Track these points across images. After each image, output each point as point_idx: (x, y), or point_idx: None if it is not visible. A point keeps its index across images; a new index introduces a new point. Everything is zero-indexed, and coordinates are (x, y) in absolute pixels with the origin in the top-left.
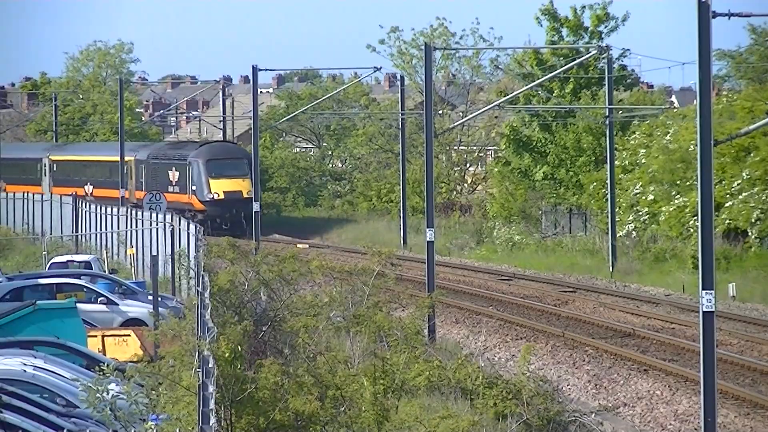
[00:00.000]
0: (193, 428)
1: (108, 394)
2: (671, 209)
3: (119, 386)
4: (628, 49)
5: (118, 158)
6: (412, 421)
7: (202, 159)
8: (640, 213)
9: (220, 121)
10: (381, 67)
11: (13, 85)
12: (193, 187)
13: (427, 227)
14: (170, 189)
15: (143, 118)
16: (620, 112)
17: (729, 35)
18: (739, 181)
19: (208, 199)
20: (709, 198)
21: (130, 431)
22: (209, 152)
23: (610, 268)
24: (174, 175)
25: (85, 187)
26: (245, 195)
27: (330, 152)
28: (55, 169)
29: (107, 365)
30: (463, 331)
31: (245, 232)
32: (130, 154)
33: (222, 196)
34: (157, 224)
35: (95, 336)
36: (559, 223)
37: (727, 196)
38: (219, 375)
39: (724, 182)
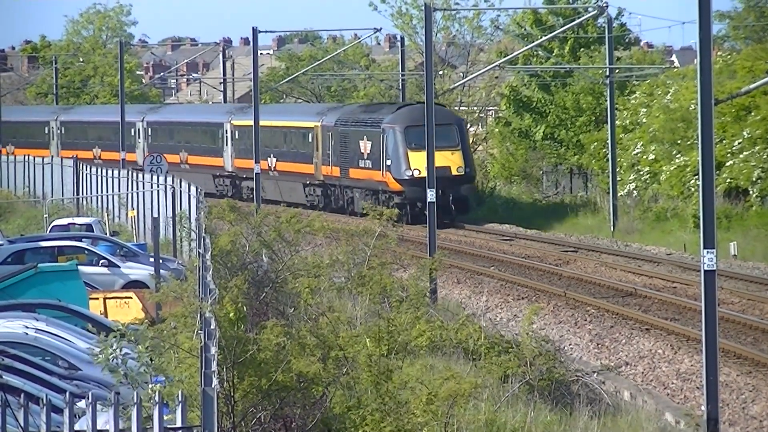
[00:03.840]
0: (195, 389)
1: (120, 351)
2: (672, 168)
3: (127, 347)
4: (624, 8)
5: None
6: (414, 382)
7: (399, 126)
8: (641, 172)
9: (221, 83)
10: (381, 28)
11: (13, 48)
12: (388, 162)
13: (428, 188)
14: (361, 164)
15: (143, 81)
16: (618, 71)
17: None
18: (739, 140)
19: (406, 178)
20: (710, 157)
21: (137, 391)
22: (409, 117)
23: (612, 227)
24: (365, 146)
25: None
26: (455, 172)
27: None
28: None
29: (123, 327)
30: (465, 291)
31: (455, 221)
32: (315, 119)
33: (424, 174)
34: (158, 186)
35: (97, 298)
36: (560, 183)
37: (728, 155)
38: (221, 337)
39: (724, 141)
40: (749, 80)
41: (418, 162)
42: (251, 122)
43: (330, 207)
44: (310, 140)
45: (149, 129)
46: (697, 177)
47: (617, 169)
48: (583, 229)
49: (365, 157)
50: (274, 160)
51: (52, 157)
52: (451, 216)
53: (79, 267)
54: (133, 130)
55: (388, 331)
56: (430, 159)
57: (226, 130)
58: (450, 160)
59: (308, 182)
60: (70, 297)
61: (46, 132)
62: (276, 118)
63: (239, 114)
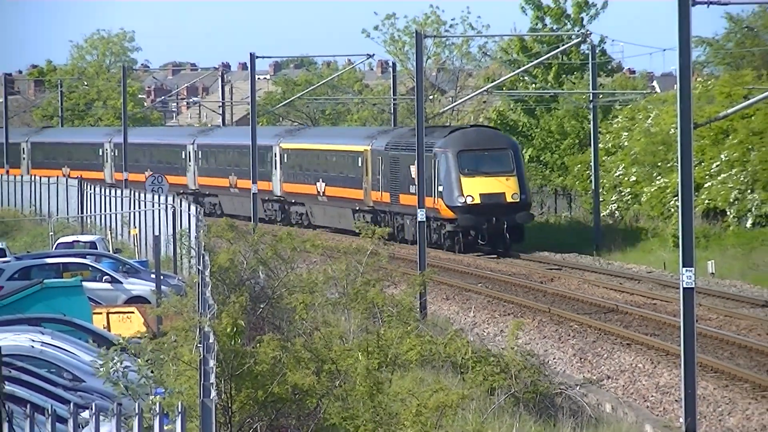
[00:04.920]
0: (194, 400)
1: (121, 365)
2: (653, 190)
3: (128, 360)
4: (607, 36)
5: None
6: (405, 394)
7: (451, 150)
8: (623, 193)
9: (219, 106)
10: (374, 54)
11: (20, 72)
12: (440, 188)
13: (419, 208)
14: (411, 189)
15: (145, 104)
16: (601, 96)
17: (708, 22)
18: (717, 163)
19: (459, 204)
20: (689, 179)
21: (138, 403)
22: (462, 141)
23: (594, 246)
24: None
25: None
26: (509, 198)
27: None
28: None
29: (124, 340)
30: (453, 307)
31: (509, 249)
32: (365, 143)
33: (477, 200)
34: (159, 205)
35: (100, 313)
36: (545, 204)
37: (707, 177)
38: (219, 350)
39: (703, 164)
40: (727, 105)
41: (471, 188)
42: (302, 145)
43: None
44: (360, 164)
45: (199, 152)
46: (676, 198)
47: (600, 190)
48: (567, 247)
49: (416, 183)
50: (324, 184)
51: (102, 180)
52: (505, 245)
53: (84, 283)
54: (183, 153)
55: (377, 345)
56: (420, 173)
57: (275, 153)
58: (504, 186)
59: (357, 208)
60: (75, 312)
61: (100, 154)
62: (325, 142)
63: (288, 137)
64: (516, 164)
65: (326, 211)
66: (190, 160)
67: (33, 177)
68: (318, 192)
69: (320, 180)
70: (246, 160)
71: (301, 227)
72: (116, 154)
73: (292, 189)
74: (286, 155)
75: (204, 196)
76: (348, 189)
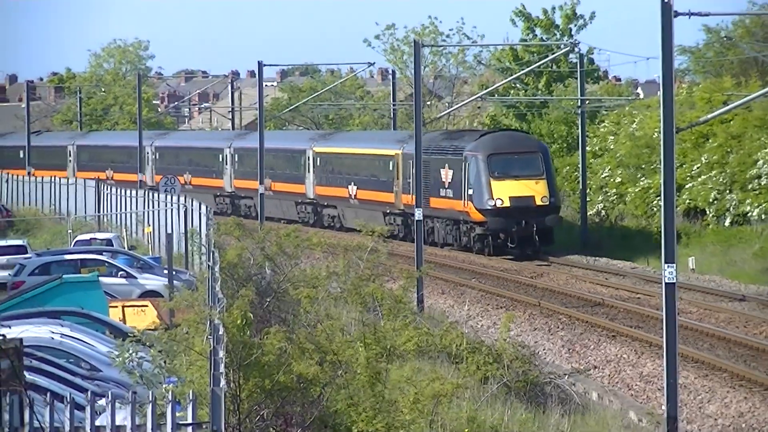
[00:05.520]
0: (205, 389)
1: (136, 355)
2: (637, 190)
3: (142, 351)
4: (594, 46)
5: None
6: (404, 383)
7: (481, 153)
8: (609, 194)
9: (229, 111)
10: (374, 63)
11: (41, 79)
12: (470, 191)
13: (416, 207)
14: (441, 193)
15: (159, 109)
16: (589, 102)
17: (689, 33)
18: (698, 165)
19: (489, 207)
20: (672, 180)
21: (152, 391)
22: (492, 144)
23: (582, 244)
24: (447, 174)
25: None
26: (539, 202)
27: None
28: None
29: (139, 332)
30: (449, 301)
31: (539, 252)
32: (396, 147)
33: (507, 204)
34: (171, 205)
35: (116, 306)
36: None
37: (688, 178)
38: (228, 341)
39: (685, 166)
40: (707, 110)
41: (501, 191)
42: (335, 149)
43: (410, 237)
44: (391, 168)
45: (236, 155)
46: (659, 198)
47: (587, 191)
48: (556, 244)
49: (446, 186)
50: (355, 188)
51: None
52: (534, 247)
53: (100, 278)
54: (220, 156)
55: (375, 337)
56: (419, 173)
57: (308, 157)
58: (534, 189)
59: (388, 211)
60: (92, 305)
61: (144, 157)
62: (357, 146)
63: (321, 141)
64: (545, 167)
65: (358, 214)
66: (226, 164)
67: (52, 178)
68: (350, 195)
69: (352, 183)
70: (280, 163)
71: (333, 229)
72: (157, 157)
73: (324, 192)
74: (318, 159)
75: (240, 199)
76: (379, 192)
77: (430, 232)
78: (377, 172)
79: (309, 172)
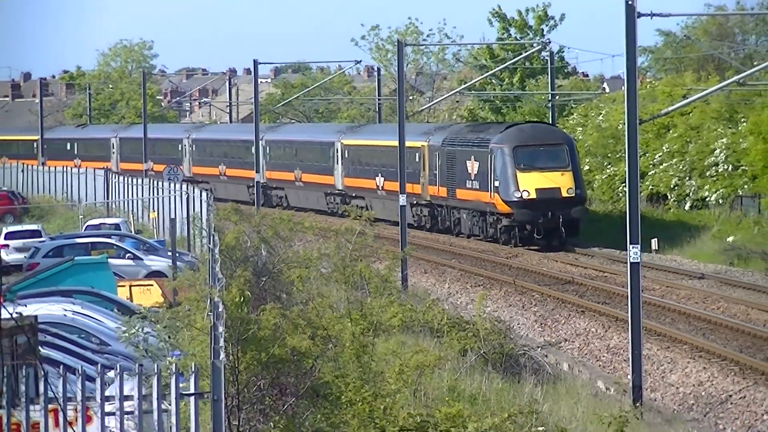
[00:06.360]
0: (206, 362)
1: (142, 331)
2: (603, 177)
3: (148, 327)
4: (564, 45)
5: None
6: (389, 355)
7: (507, 145)
8: None
9: (227, 106)
10: (361, 61)
11: (53, 76)
12: (496, 183)
13: (400, 194)
14: (468, 184)
15: (162, 104)
16: (559, 96)
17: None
18: (660, 154)
19: (515, 199)
20: (635, 168)
21: (157, 364)
22: (518, 136)
23: None
24: (473, 165)
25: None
26: (565, 194)
27: None
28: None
29: (142, 310)
30: (431, 280)
31: (565, 244)
32: (422, 139)
33: (533, 195)
34: (175, 192)
35: (124, 286)
36: None
37: (650, 166)
38: (227, 318)
39: (647, 154)
40: (668, 103)
41: (527, 183)
42: (362, 141)
43: (436, 227)
44: (417, 160)
45: (267, 147)
46: (624, 184)
47: None
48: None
49: (472, 178)
50: (382, 179)
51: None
52: (560, 239)
53: (109, 260)
54: (253, 149)
55: (362, 313)
56: (402, 161)
57: (337, 149)
58: (560, 181)
59: (415, 202)
60: (102, 285)
61: (179, 149)
62: (384, 138)
63: (349, 133)
64: (571, 159)
65: (385, 205)
66: (259, 155)
67: (64, 168)
68: (377, 186)
69: (379, 175)
70: (310, 155)
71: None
72: (194, 149)
73: (352, 183)
74: (347, 151)
75: (272, 189)
76: (407, 184)
77: (456, 223)
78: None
79: (338, 163)
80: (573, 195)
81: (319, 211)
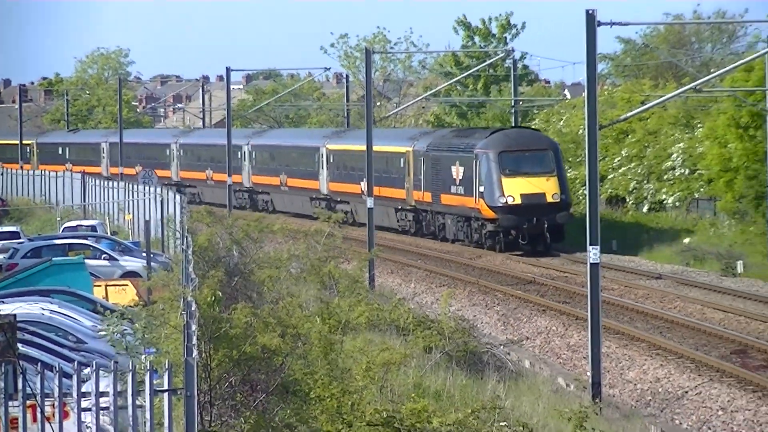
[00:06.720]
0: (179, 359)
1: (118, 329)
2: None
3: (123, 325)
4: (526, 52)
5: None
6: (357, 353)
7: (492, 151)
8: None
9: (200, 111)
10: (330, 68)
11: (32, 83)
12: (481, 188)
13: (368, 196)
14: (452, 189)
15: (138, 110)
16: (522, 102)
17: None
18: (619, 158)
19: (500, 204)
20: (595, 171)
21: (132, 361)
22: (503, 141)
23: None
24: (458, 171)
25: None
26: (550, 199)
27: None
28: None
29: (119, 309)
30: (397, 279)
31: (550, 249)
32: (407, 144)
33: (518, 201)
34: (149, 195)
35: (100, 286)
36: None
37: (610, 170)
38: (200, 316)
39: (607, 159)
40: (627, 109)
41: (512, 188)
42: (347, 146)
43: (421, 232)
44: (402, 165)
45: (254, 152)
46: (584, 187)
47: None
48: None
49: (457, 183)
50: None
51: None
52: (545, 244)
53: (86, 260)
54: (239, 153)
55: (329, 312)
56: (370, 165)
57: (322, 154)
58: (545, 186)
59: (400, 207)
60: (78, 284)
61: (167, 154)
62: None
63: (335, 138)
64: (557, 165)
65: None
66: (245, 160)
67: (43, 171)
68: (362, 191)
69: (364, 180)
70: (295, 160)
71: (346, 224)
72: (182, 153)
73: (337, 188)
74: (332, 156)
75: (257, 194)
76: (391, 189)
77: (441, 228)
78: (389, 170)
79: (323, 168)
80: (558, 200)
81: (304, 216)
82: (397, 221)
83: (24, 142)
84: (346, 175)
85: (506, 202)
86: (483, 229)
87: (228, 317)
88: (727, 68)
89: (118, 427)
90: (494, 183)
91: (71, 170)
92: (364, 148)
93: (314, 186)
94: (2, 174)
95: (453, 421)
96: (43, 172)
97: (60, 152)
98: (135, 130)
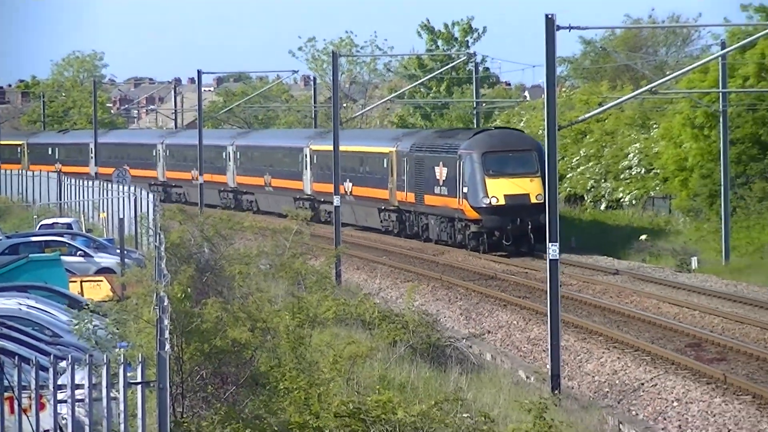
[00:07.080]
0: (152, 352)
1: (92, 324)
2: None
3: (97, 320)
4: (488, 55)
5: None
6: (324, 346)
7: (476, 151)
8: None
9: (173, 113)
10: (298, 70)
11: (9, 85)
12: (465, 189)
13: (335, 195)
14: (436, 190)
15: (112, 111)
16: (484, 104)
17: (570, 44)
18: (577, 158)
19: (483, 205)
20: (554, 171)
21: (106, 354)
22: (487, 142)
23: None
24: (441, 171)
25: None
26: (534, 200)
27: None
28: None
29: (90, 304)
30: (363, 275)
31: (534, 250)
32: (390, 144)
33: (502, 202)
34: (123, 194)
35: (75, 281)
36: None
37: (569, 169)
38: (172, 311)
39: (566, 158)
40: (585, 111)
41: (496, 189)
42: (331, 147)
43: (405, 233)
44: (385, 166)
45: (238, 153)
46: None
47: None
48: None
49: (441, 184)
50: (350, 184)
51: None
52: (529, 245)
53: (62, 257)
54: (224, 153)
55: (299, 307)
56: (337, 165)
57: (306, 155)
58: (529, 187)
59: (383, 207)
60: (55, 280)
61: (154, 154)
62: (352, 143)
63: (318, 139)
64: (540, 165)
65: (354, 210)
66: (229, 160)
67: (20, 171)
68: (345, 191)
69: (347, 180)
70: (279, 161)
71: (330, 224)
72: (168, 153)
73: (321, 188)
74: (315, 156)
75: (242, 194)
76: (374, 189)
77: (425, 228)
78: (372, 170)
79: (306, 169)
80: (542, 201)
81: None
82: (381, 222)
83: (16, 142)
84: (329, 175)
85: (490, 202)
86: (466, 230)
87: (199, 312)
88: (681, 71)
89: (93, 419)
90: (478, 184)
91: (60, 170)
92: (347, 148)
93: (298, 186)
94: None
95: (417, 412)
96: (20, 171)
97: (50, 153)
98: (121, 130)
